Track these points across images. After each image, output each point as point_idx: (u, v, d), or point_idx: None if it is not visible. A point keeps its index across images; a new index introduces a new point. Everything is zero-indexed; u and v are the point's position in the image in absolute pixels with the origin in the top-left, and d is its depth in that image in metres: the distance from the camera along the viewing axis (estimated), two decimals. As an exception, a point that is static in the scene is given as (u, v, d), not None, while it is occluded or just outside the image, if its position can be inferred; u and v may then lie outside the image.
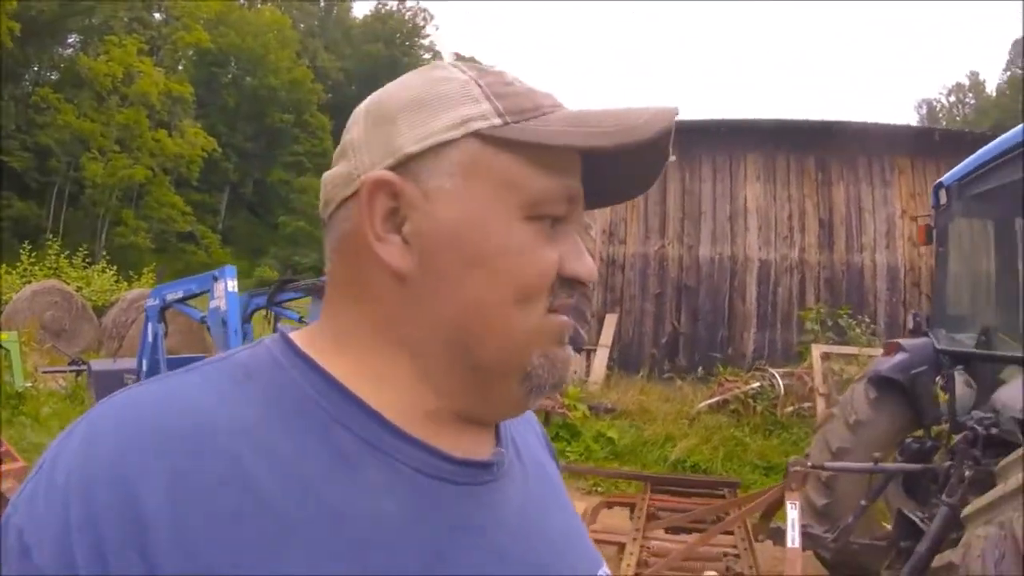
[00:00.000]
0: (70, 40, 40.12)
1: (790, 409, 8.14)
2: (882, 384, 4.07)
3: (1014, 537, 2.31)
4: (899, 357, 4.09)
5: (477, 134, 0.60)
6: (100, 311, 14.76)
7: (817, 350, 8.41)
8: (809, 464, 3.51)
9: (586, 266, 0.64)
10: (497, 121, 0.60)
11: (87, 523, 0.48)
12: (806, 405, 8.01)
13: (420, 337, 0.61)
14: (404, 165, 0.60)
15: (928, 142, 11.25)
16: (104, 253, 24.68)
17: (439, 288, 0.60)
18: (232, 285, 6.48)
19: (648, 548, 3.68)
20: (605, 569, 0.72)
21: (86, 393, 7.89)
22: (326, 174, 0.66)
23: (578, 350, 11.18)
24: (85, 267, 18.40)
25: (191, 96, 39.01)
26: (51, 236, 24.71)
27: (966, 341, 3.87)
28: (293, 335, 0.64)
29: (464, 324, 0.60)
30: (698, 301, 11.52)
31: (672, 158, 0.66)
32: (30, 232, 27.14)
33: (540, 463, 0.76)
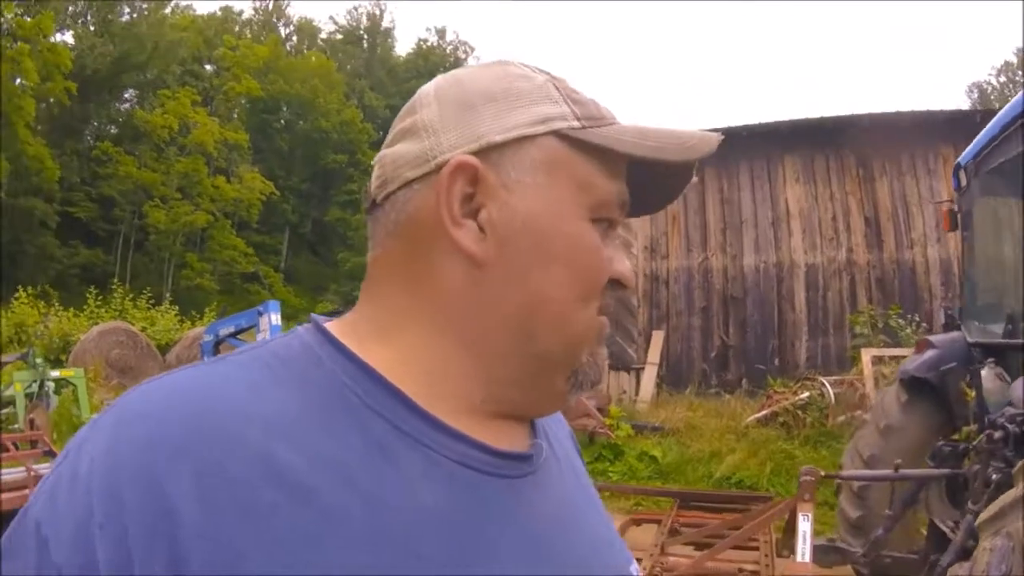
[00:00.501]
0: (126, 95, 42.16)
1: (841, 419, 7.80)
2: (912, 385, 3.86)
3: (1023, 548, 2.07)
4: (928, 354, 3.87)
5: (558, 133, 0.61)
6: (164, 349, 15.36)
7: (867, 354, 8.07)
8: (823, 473, 3.31)
9: (629, 269, 0.67)
10: (576, 124, 0.62)
11: (111, 516, 0.47)
12: (858, 413, 7.66)
13: (482, 324, 0.61)
14: (486, 153, 0.60)
15: (970, 125, 10.70)
16: (169, 295, 25.56)
17: (511, 278, 0.60)
18: (276, 319, 7.25)
19: (663, 563, 3.54)
20: (635, 567, 0.72)
21: None
22: (385, 152, 0.65)
23: (627, 369, 11.01)
24: (149, 308, 19.23)
25: (246, 143, 40.49)
26: (117, 281, 25.78)
27: (997, 331, 3.61)
28: (328, 324, 0.63)
29: (531, 315, 0.61)
30: (746, 312, 11.19)
31: (694, 179, 0.69)
32: (97, 278, 28.33)
33: (571, 458, 0.76)
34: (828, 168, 11.20)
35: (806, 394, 8.35)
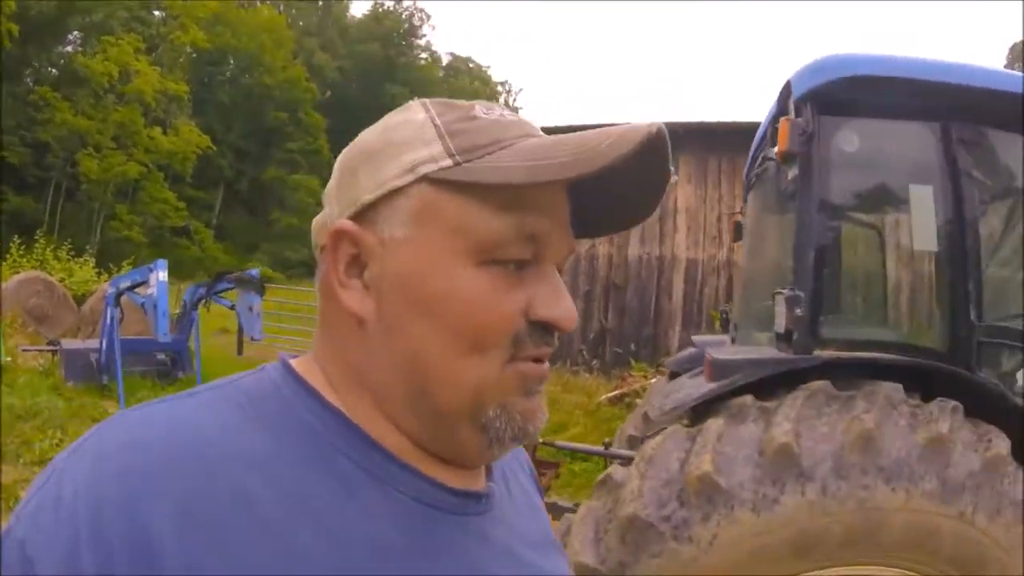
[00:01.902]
0: (70, 38, 40.77)
1: (679, 402, 8.62)
2: (672, 378, 3.97)
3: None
4: (689, 351, 4.06)
5: (426, 178, 0.59)
6: (81, 300, 15.67)
7: (710, 346, 8.90)
8: (541, 441, 3.96)
9: (562, 310, 0.61)
10: (447, 163, 0.59)
11: (97, 544, 0.48)
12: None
13: (380, 381, 0.62)
14: (363, 213, 0.61)
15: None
16: (90, 247, 25.29)
17: (391, 335, 0.60)
18: (163, 276, 7.88)
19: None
20: None
21: (57, 368, 9.20)
22: (315, 219, 0.68)
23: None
24: (69, 260, 19.45)
25: (186, 94, 39.57)
26: (41, 231, 25.49)
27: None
28: (294, 362, 0.65)
29: (414, 371, 0.60)
30: (625, 299, 12.03)
31: (674, 179, 0.65)
32: (27, 227, 27.81)
33: (527, 493, 0.78)
34: (720, 171, 11.97)
35: (656, 378, 9.20)
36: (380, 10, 57.44)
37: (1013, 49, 54.24)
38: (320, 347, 0.66)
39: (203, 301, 8.61)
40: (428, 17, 61.26)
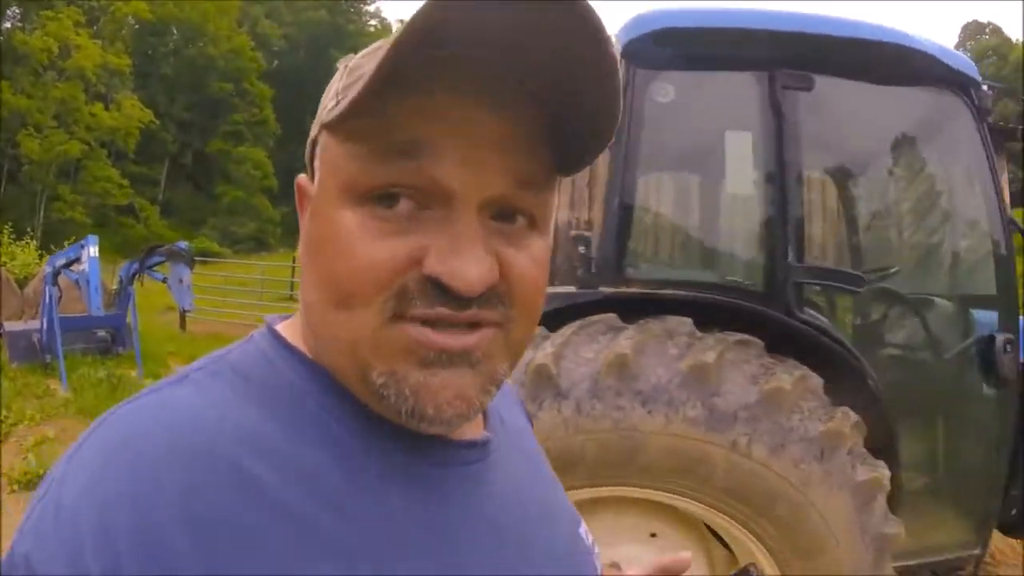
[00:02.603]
0: (9, 14, 39.67)
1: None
2: None
3: None
4: None
5: (325, 125, 0.55)
6: (23, 283, 16.01)
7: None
8: None
9: (455, 266, 0.50)
10: (332, 103, 0.54)
11: (104, 547, 0.45)
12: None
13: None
14: (311, 166, 0.60)
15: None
16: (31, 229, 25.06)
17: (304, 283, 0.58)
18: (93, 251, 8.32)
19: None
20: (584, 527, 0.74)
21: (1, 350, 9.32)
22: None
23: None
24: (11, 243, 19.71)
25: (128, 68, 39.12)
26: (-14, 214, 25.46)
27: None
28: (280, 326, 0.63)
29: (309, 325, 0.58)
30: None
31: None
32: (-31, 209, 27.73)
33: (524, 433, 0.77)
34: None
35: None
36: (327, -24, 56.65)
37: (966, 28, 56.02)
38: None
39: (137, 276, 8.75)
40: (376, -18, 59.63)
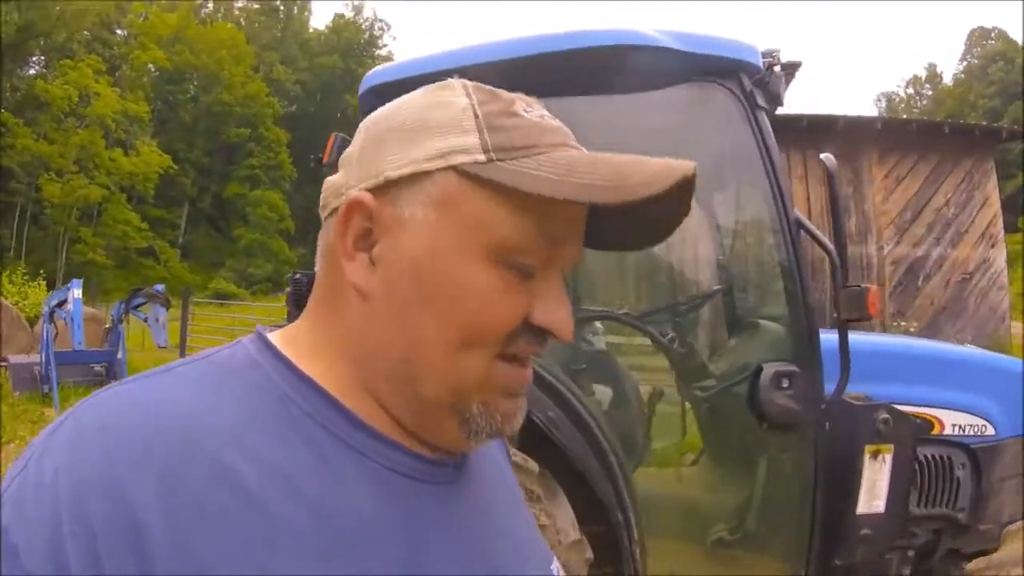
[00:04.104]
0: (32, 61, 41.35)
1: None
2: None
3: None
4: None
5: (457, 168, 0.58)
6: (34, 320, 16.74)
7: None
8: None
9: (562, 318, 0.62)
10: (480, 157, 0.58)
11: (80, 525, 0.47)
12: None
13: (369, 356, 0.61)
14: (384, 188, 0.60)
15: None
16: (42, 272, 25.84)
17: (392, 315, 0.60)
18: (77, 293, 9.54)
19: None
20: (556, 565, 0.74)
21: (5, 380, 10.42)
22: (328, 178, 0.66)
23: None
24: (24, 284, 21.06)
25: (147, 115, 40.31)
26: (8, 256, 26.26)
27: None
28: (271, 335, 0.65)
29: (409, 356, 0.60)
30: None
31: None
32: (-5, 250, 28.56)
33: (499, 466, 0.78)
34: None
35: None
36: (340, 22, 58.05)
37: (971, 35, 56.26)
38: (312, 311, 0.66)
39: (125, 315, 9.92)
40: (388, 27, 62.00)
